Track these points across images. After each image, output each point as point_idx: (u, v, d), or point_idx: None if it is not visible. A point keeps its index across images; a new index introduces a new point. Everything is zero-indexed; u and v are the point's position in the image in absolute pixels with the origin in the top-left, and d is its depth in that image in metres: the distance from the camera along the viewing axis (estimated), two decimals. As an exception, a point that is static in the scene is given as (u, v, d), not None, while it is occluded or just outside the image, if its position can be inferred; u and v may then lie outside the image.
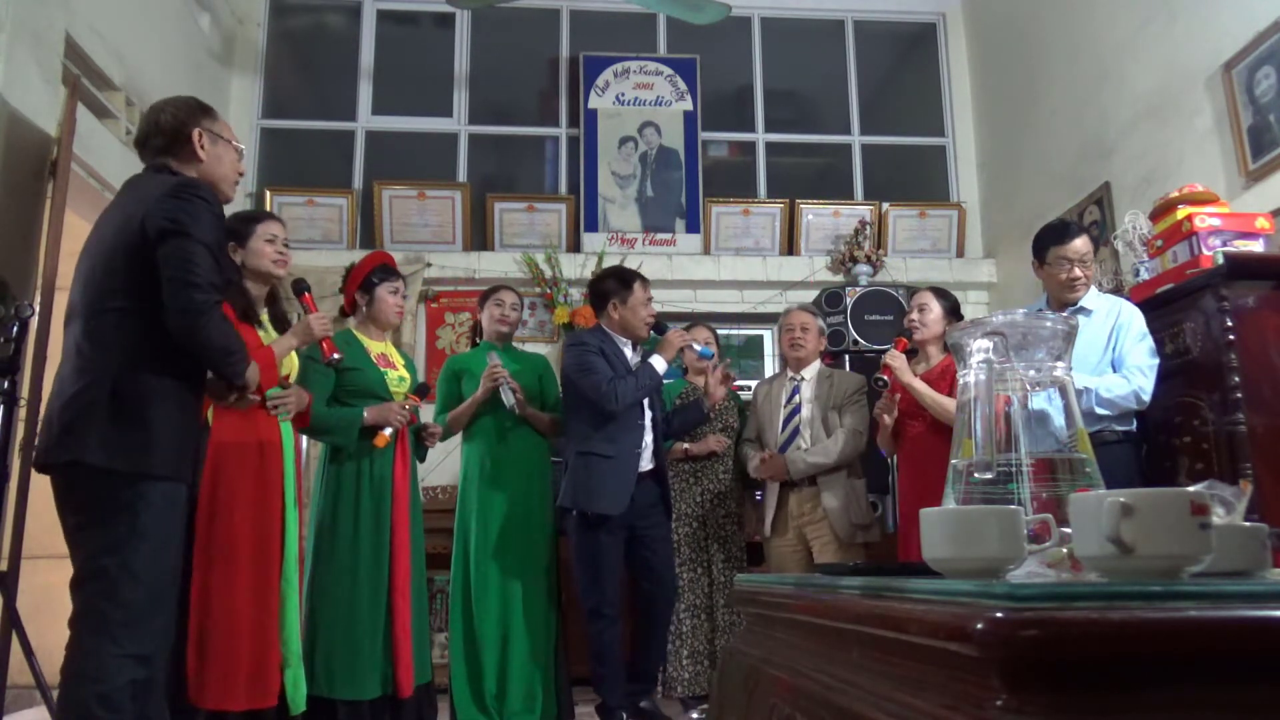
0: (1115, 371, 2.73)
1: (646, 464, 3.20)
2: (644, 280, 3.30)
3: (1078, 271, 2.80)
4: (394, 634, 2.82)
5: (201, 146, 2.08)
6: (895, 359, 3.03)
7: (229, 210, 2.24)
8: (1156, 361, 2.72)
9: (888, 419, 3.11)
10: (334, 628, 2.80)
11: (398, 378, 3.02)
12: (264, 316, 2.62)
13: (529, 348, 3.60)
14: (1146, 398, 2.68)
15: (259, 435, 2.49)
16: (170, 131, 2.07)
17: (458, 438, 3.38)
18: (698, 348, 3.36)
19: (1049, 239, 2.87)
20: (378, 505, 2.88)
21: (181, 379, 1.98)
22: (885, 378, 3.04)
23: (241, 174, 2.24)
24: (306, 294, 2.65)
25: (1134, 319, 2.77)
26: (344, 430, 2.86)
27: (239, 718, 2.40)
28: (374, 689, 2.78)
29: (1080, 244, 2.82)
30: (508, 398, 3.16)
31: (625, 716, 3.11)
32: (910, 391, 2.99)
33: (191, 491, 2.21)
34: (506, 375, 3.18)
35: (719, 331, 3.87)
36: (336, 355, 2.58)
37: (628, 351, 3.25)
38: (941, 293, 3.27)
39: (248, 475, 2.44)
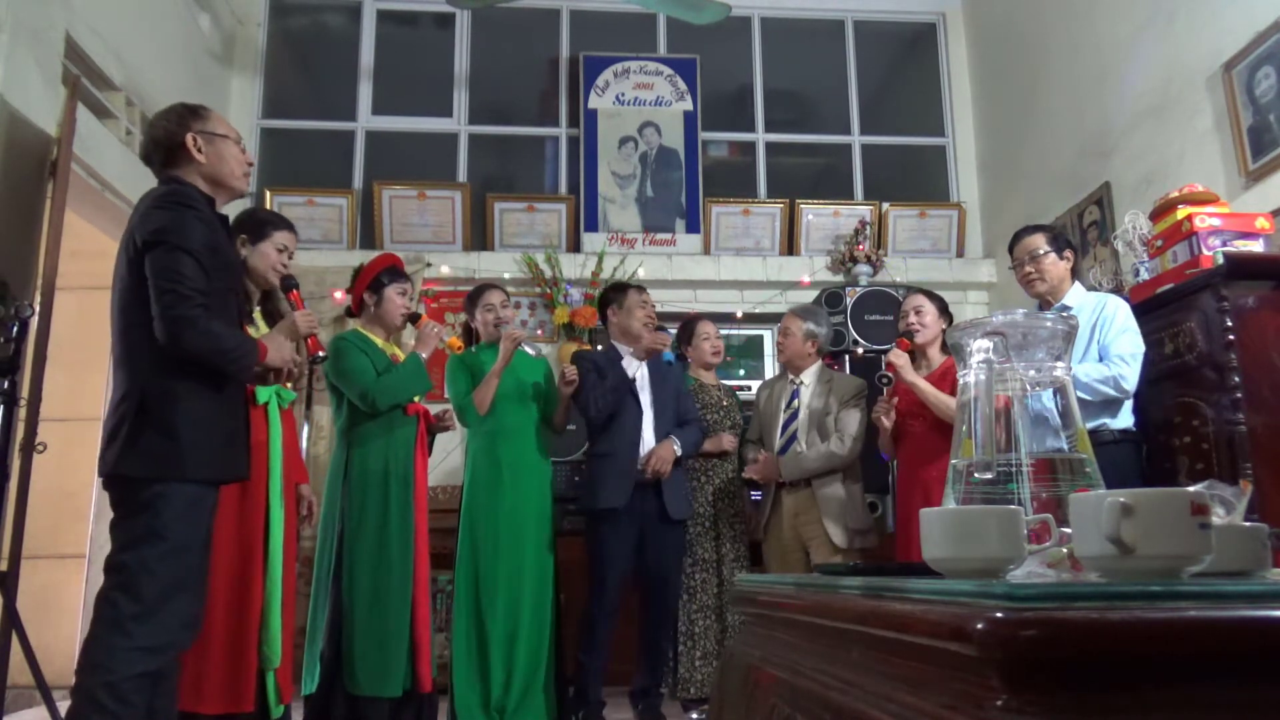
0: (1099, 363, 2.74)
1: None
2: (639, 289, 3.56)
3: (1028, 268, 2.91)
4: (415, 629, 2.85)
5: (199, 150, 2.10)
6: (899, 357, 3.03)
7: (238, 206, 2.25)
8: (1141, 351, 2.71)
9: (886, 421, 3.11)
10: (367, 624, 2.82)
11: None
12: (256, 313, 2.66)
13: (528, 347, 3.60)
14: (1128, 386, 2.67)
15: None
16: (166, 144, 2.11)
17: (460, 438, 3.38)
18: (667, 355, 3.51)
19: (1010, 243, 3.03)
20: (404, 500, 2.91)
21: (211, 377, 2.02)
22: (890, 374, 3.05)
23: (250, 164, 2.25)
24: (294, 291, 2.64)
25: (1118, 311, 2.78)
26: (416, 378, 2.96)
27: (211, 719, 2.41)
28: (399, 686, 2.81)
29: (1029, 241, 2.93)
30: (532, 349, 3.29)
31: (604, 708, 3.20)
32: (914, 390, 3.00)
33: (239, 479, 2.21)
34: (525, 334, 3.30)
35: (721, 330, 3.87)
36: (321, 353, 2.58)
37: (628, 357, 3.41)
38: (932, 294, 3.27)
39: None
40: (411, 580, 2.87)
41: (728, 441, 3.53)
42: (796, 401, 3.49)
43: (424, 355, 2.99)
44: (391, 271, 3.09)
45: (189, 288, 1.93)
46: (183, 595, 1.96)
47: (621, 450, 3.27)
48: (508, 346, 3.20)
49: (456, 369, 3.32)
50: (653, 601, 3.29)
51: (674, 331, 3.86)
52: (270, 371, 2.16)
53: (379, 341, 3.06)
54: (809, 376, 3.52)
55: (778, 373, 3.99)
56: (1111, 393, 2.67)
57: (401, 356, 3.09)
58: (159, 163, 2.13)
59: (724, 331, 3.98)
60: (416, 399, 3.03)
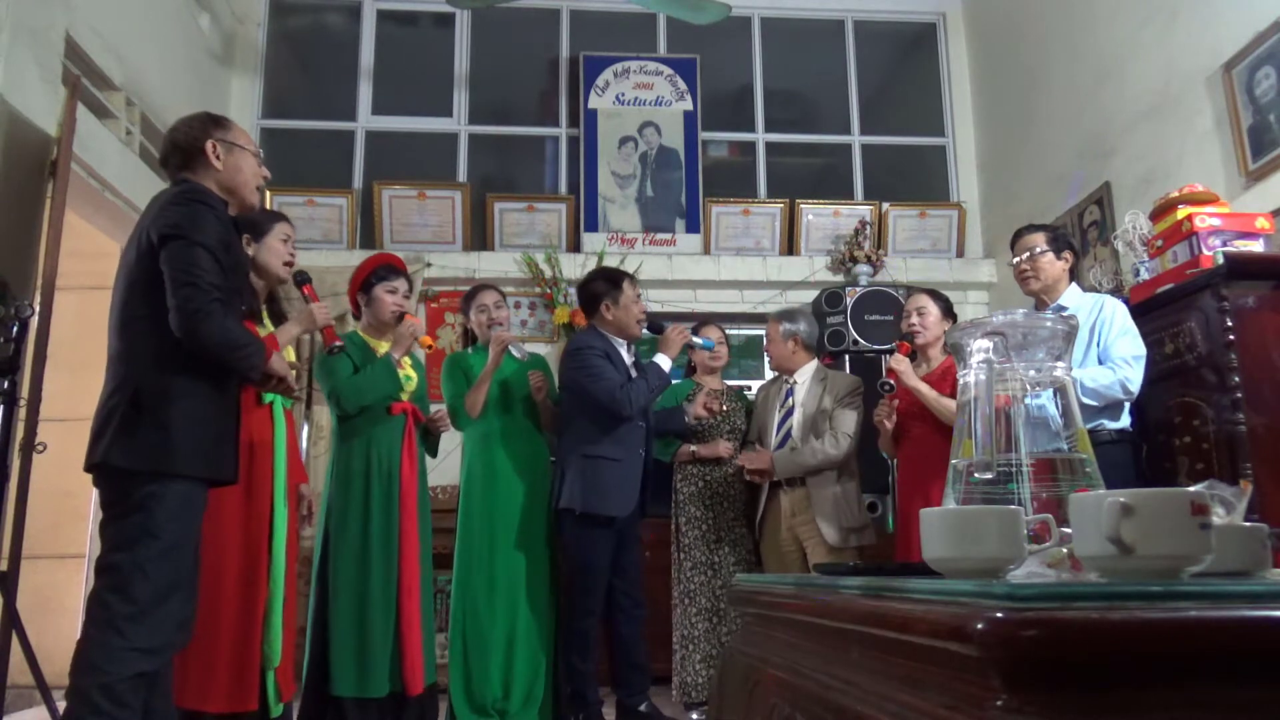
0: (1101, 365, 2.73)
1: None
2: (631, 279, 3.36)
3: (1024, 265, 2.92)
4: (400, 629, 2.83)
5: (217, 157, 2.14)
6: (900, 363, 3.01)
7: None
8: (1143, 353, 2.71)
9: (887, 424, 3.10)
10: (346, 624, 2.80)
11: (404, 376, 3.04)
12: (264, 313, 2.67)
13: (528, 348, 3.59)
14: (1133, 388, 2.67)
15: (249, 436, 2.49)
16: (185, 147, 2.14)
17: (458, 439, 3.37)
18: (698, 340, 3.40)
19: (1011, 240, 3.03)
20: (387, 498, 2.89)
21: (209, 376, 2.03)
22: (891, 382, 3.02)
23: (266, 177, 2.28)
24: (307, 285, 2.69)
25: (1116, 313, 2.77)
26: (383, 379, 2.92)
27: (216, 718, 2.41)
28: (382, 687, 2.78)
29: (1028, 239, 2.93)
30: (518, 351, 3.26)
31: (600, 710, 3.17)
32: (915, 395, 2.99)
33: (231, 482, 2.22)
34: (512, 337, 3.26)
35: (728, 330, 3.86)
36: (338, 343, 2.62)
37: (624, 352, 3.30)
38: (936, 294, 3.25)
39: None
40: (396, 580, 2.84)
41: (723, 448, 3.51)
42: (791, 400, 3.48)
43: (396, 355, 2.96)
44: (381, 271, 3.09)
45: (207, 281, 1.96)
46: (177, 595, 1.96)
47: (631, 456, 3.17)
48: (496, 350, 3.19)
49: (451, 371, 3.32)
50: (627, 602, 3.23)
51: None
52: (271, 378, 2.17)
53: (374, 343, 3.05)
54: (804, 375, 3.51)
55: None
56: (1119, 396, 2.68)
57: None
58: (175, 165, 2.16)
59: (730, 330, 3.96)
60: (404, 397, 3.01)
